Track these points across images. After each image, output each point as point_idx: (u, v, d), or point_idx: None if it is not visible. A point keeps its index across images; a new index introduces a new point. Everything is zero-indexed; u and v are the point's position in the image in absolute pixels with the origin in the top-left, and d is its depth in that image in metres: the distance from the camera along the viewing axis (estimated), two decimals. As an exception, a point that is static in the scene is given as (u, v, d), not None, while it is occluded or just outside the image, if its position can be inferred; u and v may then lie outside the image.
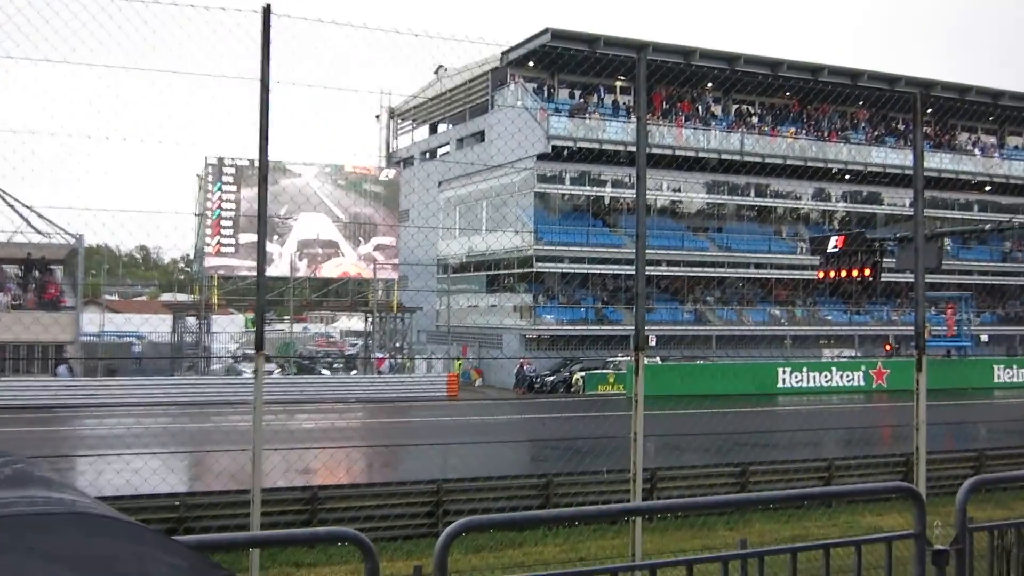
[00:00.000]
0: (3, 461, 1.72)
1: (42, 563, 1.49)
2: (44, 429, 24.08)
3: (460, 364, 49.02)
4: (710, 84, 57.29)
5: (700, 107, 58.04)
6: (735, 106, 59.98)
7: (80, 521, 1.63)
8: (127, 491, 14.31)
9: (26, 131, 12.16)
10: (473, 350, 51.49)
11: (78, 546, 1.58)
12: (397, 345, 49.51)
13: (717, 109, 59.18)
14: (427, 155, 64.32)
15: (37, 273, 43.90)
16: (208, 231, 45.80)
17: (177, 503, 14.32)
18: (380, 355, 47.70)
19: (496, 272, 53.68)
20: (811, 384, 44.21)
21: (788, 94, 59.22)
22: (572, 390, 44.60)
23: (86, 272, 45.49)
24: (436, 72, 59.92)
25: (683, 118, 55.40)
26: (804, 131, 59.25)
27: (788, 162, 56.04)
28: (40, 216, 39.79)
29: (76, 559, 1.55)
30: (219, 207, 45.57)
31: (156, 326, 46.39)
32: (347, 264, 48.64)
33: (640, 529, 9.34)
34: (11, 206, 38.91)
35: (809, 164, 55.99)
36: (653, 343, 46.68)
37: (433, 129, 65.86)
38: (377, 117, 66.30)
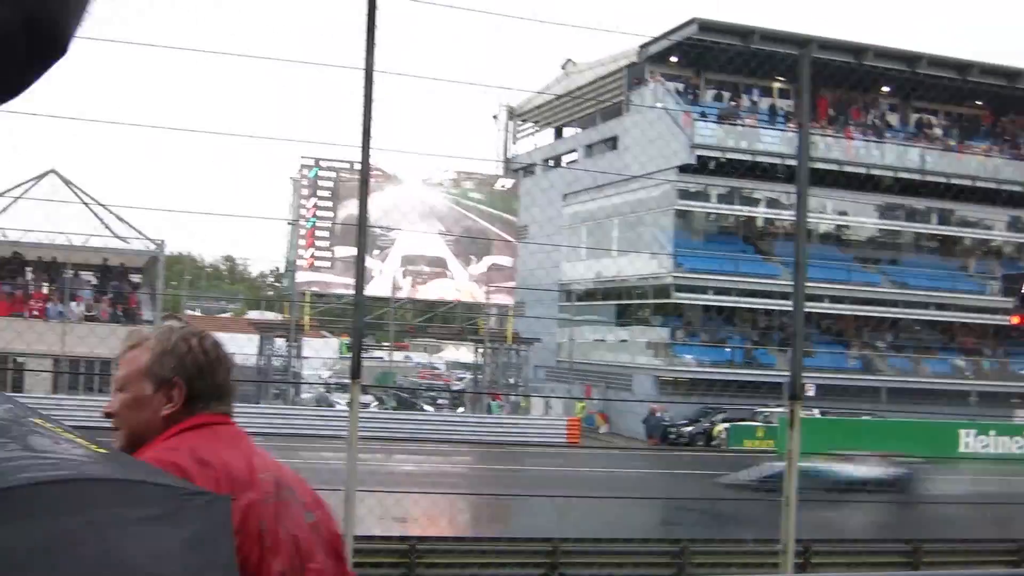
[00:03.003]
0: None
1: None
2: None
3: (583, 407, 48.93)
4: (885, 88, 56.34)
5: (873, 116, 57.09)
6: (915, 115, 58.79)
7: (20, 499, 1.56)
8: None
9: (105, 120, 12.72)
10: (598, 391, 51.39)
11: (20, 531, 1.57)
12: (511, 381, 49.74)
13: (893, 118, 58.10)
14: (550, 163, 64.54)
15: (114, 281, 45.54)
16: (301, 242, 46.79)
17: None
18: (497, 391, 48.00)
19: (628, 302, 53.53)
20: (1000, 450, 42.88)
21: (979, 103, 57.89)
22: (713, 443, 44.10)
23: (166, 283, 46.96)
24: (563, 67, 60.34)
25: (852, 128, 54.56)
26: (998, 147, 57.72)
27: (978, 184, 54.53)
28: (119, 218, 41.38)
29: (19, 550, 1.55)
30: (314, 215, 46.52)
31: (241, 346, 47.49)
32: (456, 285, 49.11)
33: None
34: (86, 204, 40.52)
35: (1003, 187, 54.49)
36: (811, 393, 45.89)
37: (558, 133, 66.09)
38: (495, 117, 66.95)
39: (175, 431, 2.69)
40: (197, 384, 2.74)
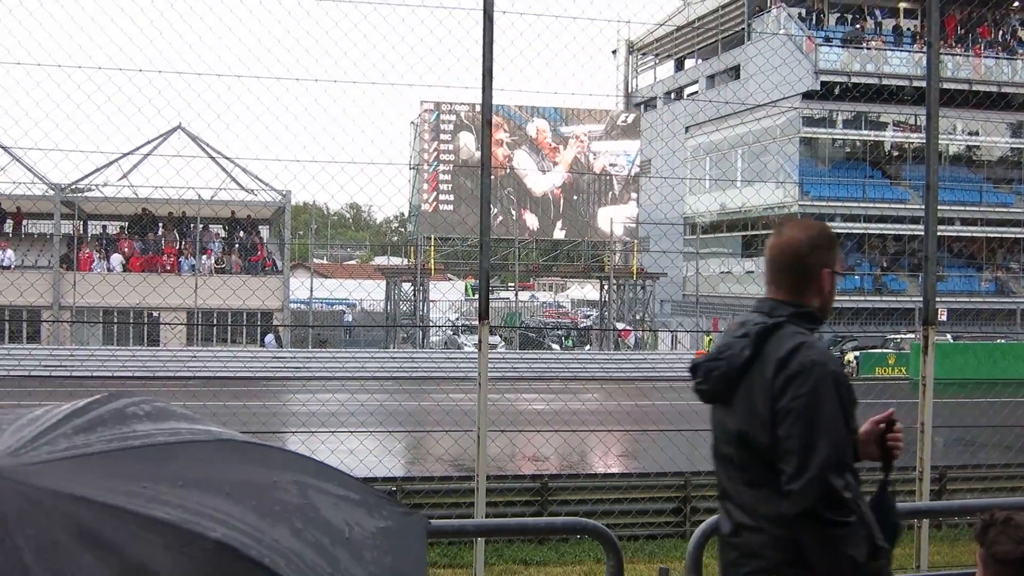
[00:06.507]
0: (140, 400, 1.88)
1: (195, 492, 1.64)
2: (251, 403, 25.50)
3: (711, 340, 48.68)
4: (1016, 3, 54.38)
5: (1003, 32, 55.15)
6: (1049, 29, 56.73)
7: (229, 448, 1.81)
8: (341, 472, 14.95)
9: (231, 75, 12.88)
10: (726, 323, 50.99)
11: (229, 472, 1.76)
12: (637, 317, 49.63)
13: (1025, 33, 56.16)
14: (672, 95, 63.92)
15: (242, 233, 46.50)
16: (424, 186, 47.13)
17: (394, 488, 14.86)
18: (625, 326, 47.90)
19: (754, 232, 52.93)
20: None
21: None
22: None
23: (293, 232, 47.81)
24: (684, -3, 59.31)
25: (982, 46, 52.82)
26: None
27: (1117, 96, 52.51)
28: (244, 171, 42.13)
29: (228, 484, 1.71)
30: (437, 159, 46.77)
31: (369, 292, 48.27)
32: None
33: (927, 535, 9.13)
34: (213, 159, 41.33)
35: None
36: (943, 318, 44.98)
37: (679, 65, 65.32)
38: (614, 52, 66.31)
39: None
40: None
